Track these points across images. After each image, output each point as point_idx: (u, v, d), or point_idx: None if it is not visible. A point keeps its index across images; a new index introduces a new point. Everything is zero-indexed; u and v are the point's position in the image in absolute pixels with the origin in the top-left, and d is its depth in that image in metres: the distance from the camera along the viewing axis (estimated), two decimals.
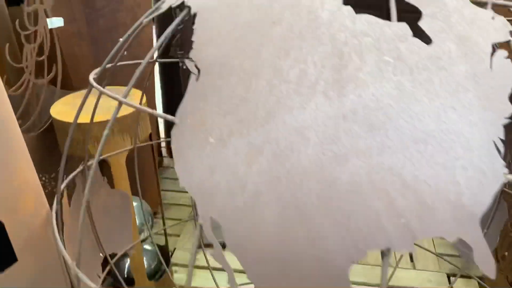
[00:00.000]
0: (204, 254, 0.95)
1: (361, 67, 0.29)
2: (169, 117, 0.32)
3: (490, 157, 0.28)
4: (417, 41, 0.30)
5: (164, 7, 0.41)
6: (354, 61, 0.29)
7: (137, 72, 0.36)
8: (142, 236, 1.11)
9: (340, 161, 0.27)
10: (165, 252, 1.18)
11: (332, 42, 0.30)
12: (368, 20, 0.31)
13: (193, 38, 0.35)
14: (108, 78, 0.51)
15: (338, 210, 0.27)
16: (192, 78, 0.32)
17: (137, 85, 0.41)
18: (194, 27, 0.35)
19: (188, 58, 0.33)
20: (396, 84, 0.29)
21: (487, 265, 0.27)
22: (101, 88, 0.39)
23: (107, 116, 0.79)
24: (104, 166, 0.81)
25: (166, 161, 1.81)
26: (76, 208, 0.61)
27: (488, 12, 0.33)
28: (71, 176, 0.53)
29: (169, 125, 1.62)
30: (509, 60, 0.31)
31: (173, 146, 0.31)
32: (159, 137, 1.59)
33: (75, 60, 1.09)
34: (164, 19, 1.22)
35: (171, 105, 1.64)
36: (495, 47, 0.32)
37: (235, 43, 0.32)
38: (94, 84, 0.41)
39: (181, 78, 1.24)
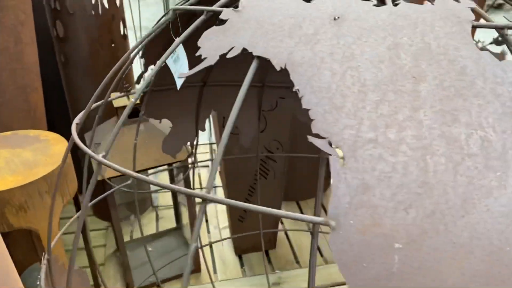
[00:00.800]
0: None
1: None
2: (318, 219, 0.24)
3: None
4: None
5: (208, 54, 0.31)
6: None
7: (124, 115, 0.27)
8: None
9: None
10: None
11: (498, 99, 0.26)
12: None
13: (306, 105, 0.26)
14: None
15: None
16: (334, 163, 0.25)
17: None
18: (298, 89, 0.27)
19: (319, 137, 0.25)
20: None
21: None
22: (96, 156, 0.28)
23: (17, 175, 0.61)
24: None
25: None
26: None
27: None
28: None
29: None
30: None
31: (338, 260, 0.23)
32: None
33: None
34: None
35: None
36: None
37: (376, 109, 0.25)
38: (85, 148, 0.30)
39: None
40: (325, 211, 1.26)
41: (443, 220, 0.23)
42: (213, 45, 0.31)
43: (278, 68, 0.28)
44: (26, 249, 0.81)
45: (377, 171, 0.24)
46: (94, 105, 0.47)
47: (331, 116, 0.26)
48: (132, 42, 1.39)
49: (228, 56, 0.30)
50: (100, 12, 0.98)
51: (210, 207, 1.35)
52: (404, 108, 0.25)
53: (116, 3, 1.02)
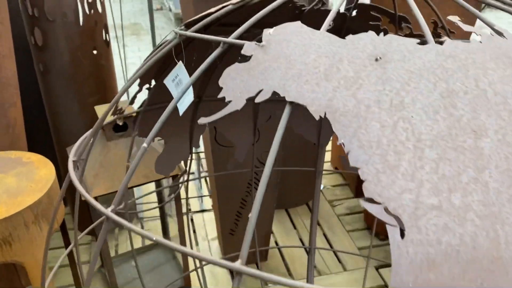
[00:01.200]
0: None
1: None
2: None
3: None
4: None
5: (232, 97, 0.27)
6: None
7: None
8: None
9: None
10: None
11: None
12: None
13: (354, 163, 0.23)
14: None
15: None
16: (394, 234, 0.22)
17: None
18: (342, 142, 0.24)
19: (373, 202, 0.22)
20: None
21: None
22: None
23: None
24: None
25: None
26: None
27: None
28: None
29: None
30: None
31: None
32: None
33: None
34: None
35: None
36: None
37: (437, 169, 0.23)
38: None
39: None
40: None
41: None
42: (238, 86, 0.28)
43: (317, 118, 0.25)
44: (7, 281, 0.75)
45: (444, 244, 0.21)
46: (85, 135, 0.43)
47: (386, 177, 0.23)
48: (113, 46, 1.33)
49: (257, 101, 0.27)
50: (82, 18, 0.93)
51: (197, 218, 1.31)
52: (467, 169, 0.23)
53: (98, 9, 0.97)
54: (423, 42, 0.28)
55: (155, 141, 0.86)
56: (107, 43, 1.02)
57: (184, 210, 1.33)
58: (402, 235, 0.22)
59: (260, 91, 0.27)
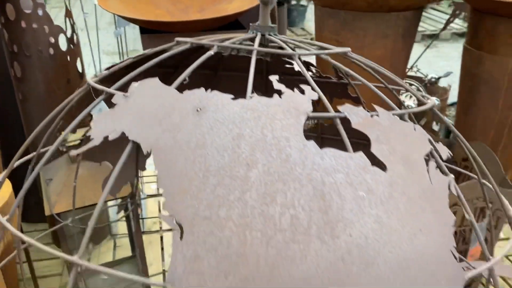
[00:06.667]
0: None
1: (343, 206, 0.32)
2: (160, 283, 0.30)
3: (452, 265, 0.33)
4: (377, 170, 0.34)
5: (96, 136, 0.37)
6: (336, 201, 0.32)
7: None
8: None
9: None
10: None
11: (311, 183, 0.32)
12: (333, 154, 0.34)
13: (161, 187, 0.33)
14: None
15: None
16: (175, 236, 0.31)
17: None
18: (157, 172, 0.34)
19: (174, 222, 0.31)
20: (375, 218, 0.32)
21: None
22: None
23: None
24: None
25: None
26: None
27: (410, 125, 0.39)
28: None
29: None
30: (438, 169, 0.38)
31: None
32: None
33: None
34: None
35: None
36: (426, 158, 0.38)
37: (214, 191, 0.32)
38: None
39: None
40: None
41: (253, 284, 0.29)
42: (101, 127, 0.38)
43: (145, 152, 0.35)
44: None
45: (207, 244, 0.30)
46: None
47: (179, 197, 0.32)
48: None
49: (109, 139, 0.37)
50: (56, 54, 1.04)
51: (166, 236, 1.40)
52: (235, 191, 0.32)
53: (73, 44, 1.08)
54: (237, 98, 0.37)
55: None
56: (81, 75, 1.13)
57: (157, 227, 1.42)
58: (181, 238, 0.31)
59: (113, 131, 0.37)
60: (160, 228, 1.43)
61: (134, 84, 0.40)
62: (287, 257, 0.30)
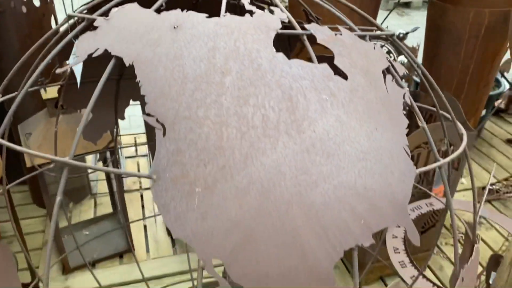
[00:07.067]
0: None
1: (308, 107, 0.36)
2: (144, 174, 0.33)
3: (405, 160, 0.38)
4: (340, 78, 0.38)
5: (80, 54, 0.40)
6: (302, 102, 0.36)
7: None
8: None
9: (313, 187, 0.34)
10: None
11: (280, 87, 0.36)
12: (300, 64, 0.38)
13: (143, 92, 0.36)
14: None
15: (318, 227, 0.33)
16: (159, 134, 0.34)
17: None
18: (139, 80, 0.37)
19: (150, 116, 0.34)
20: (336, 117, 0.36)
21: (414, 238, 0.37)
22: None
23: None
24: None
25: None
26: None
27: (370, 44, 0.43)
28: None
29: None
30: (394, 81, 0.42)
31: (157, 202, 0.33)
32: None
33: None
34: None
35: None
36: (384, 72, 0.42)
37: (192, 95, 0.35)
38: None
39: None
40: None
41: (230, 172, 0.33)
42: (85, 46, 0.40)
43: (127, 65, 0.38)
44: None
45: (188, 139, 0.34)
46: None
47: (161, 100, 0.35)
48: None
49: (94, 56, 0.39)
50: (30, 10, 1.04)
51: (147, 193, 1.43)
52: (211, 95, 0.35)
53: (47, 1, 1.08)
54: (211, 16, 0.40)
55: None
56: (57, 33, 1.13)
57: (137, 186, 1.45)
58: (164, 135, 0.34)
59: (97, 49, 0.40)
60: (140, 187, 1.46)
61: (114, 9, 0.43)
62: (259, 148, 0.34)
